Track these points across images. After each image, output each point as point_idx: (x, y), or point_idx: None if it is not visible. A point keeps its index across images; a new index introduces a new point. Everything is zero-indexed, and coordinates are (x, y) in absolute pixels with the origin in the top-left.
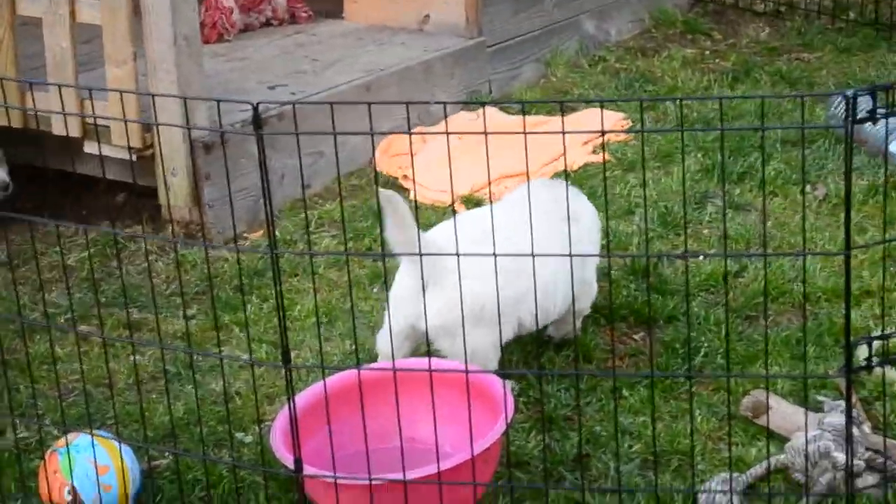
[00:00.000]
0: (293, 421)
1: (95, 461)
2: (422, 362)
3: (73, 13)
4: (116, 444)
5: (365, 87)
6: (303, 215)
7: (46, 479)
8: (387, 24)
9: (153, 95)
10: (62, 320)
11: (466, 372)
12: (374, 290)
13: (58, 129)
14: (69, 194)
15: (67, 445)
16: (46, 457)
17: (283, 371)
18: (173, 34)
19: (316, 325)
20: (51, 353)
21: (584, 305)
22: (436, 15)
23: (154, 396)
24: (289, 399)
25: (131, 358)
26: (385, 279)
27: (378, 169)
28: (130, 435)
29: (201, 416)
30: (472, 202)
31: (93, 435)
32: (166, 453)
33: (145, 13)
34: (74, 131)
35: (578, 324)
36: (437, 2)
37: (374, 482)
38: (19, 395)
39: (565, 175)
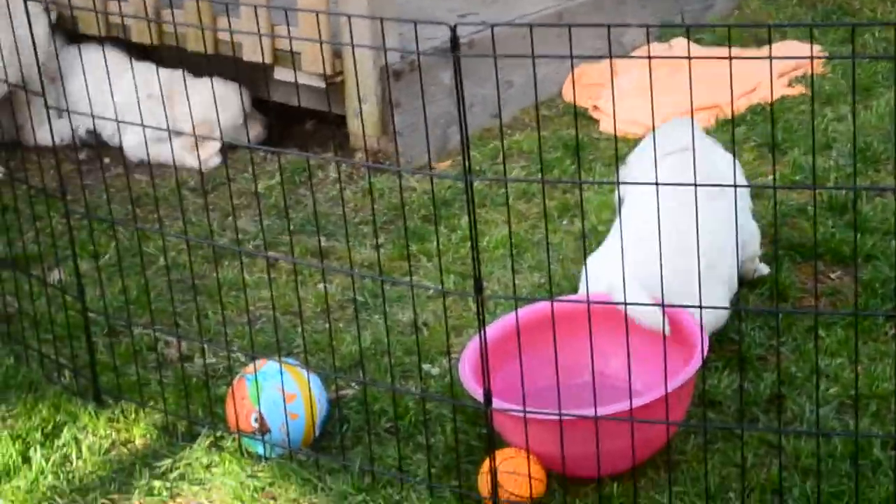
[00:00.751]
0: (483, 353)
1: (283, 389)
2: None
3: None
4: (304, 372)
5: (556, 16)
6: (491, 146)
7: (234, 405)
8: None
9: (349, 16)
10: (251, 246)
11: (663, 306)
12: (564, 222)
13: (248, 55)
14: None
15: (256, 372)
16: (234, 383)
17: (471, 302)
18: None
19: (505, 257)
20: (240, 280)
21: (754, 248)
22: None
23: (342, 325)
24: (479, 329)
25: (320, 286)
26: (582, 208)
27: (567, 99)
28: (318, 363)
29: (389, 346)
30: None
31: (281, 363)
32: (353, 383)
33: None
34: (266, 57)
35: (760, 265)
36: None
37: (564, 418)
38: (208, 321)
39: (770, 109)
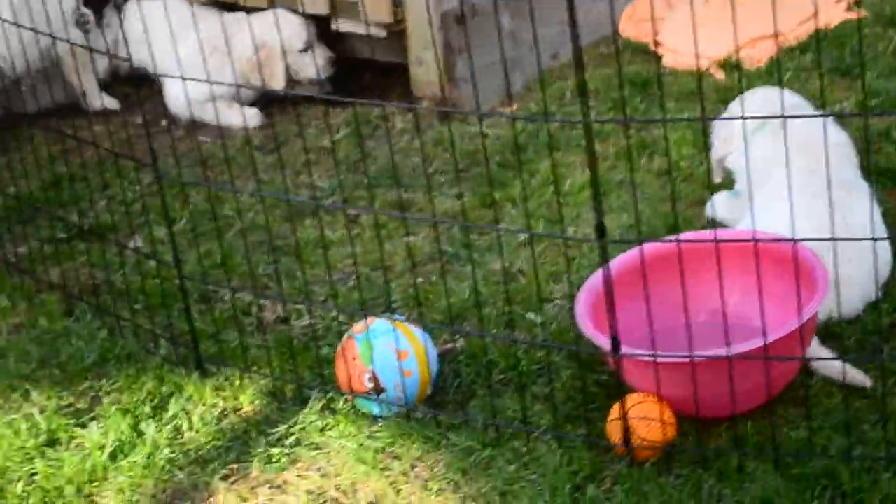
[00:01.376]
0: (609, 299)
1: (396, 346)
2: (740, 233)
3: None
4: (413, 328)
5: None
6: (556, 86)
7: (345, 365)
8: None
9: None
10: (330, 202)
11: (794, 240)
12: (642, 161)
13: (308, 6)
14: None
15: (365, 331)
16: (343, 343)
17: (562, 246)
18: None
19: (591, 198)
20: (322, 237)
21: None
22: None
23: (433, 278)
24: (604, 276)
25: (405, 239)
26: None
27: (625, 36)
28: (417, 318)
29: (488, 296)
30: (730, 66)
31: (393, 320)
32: (457, 336)
33: None
34: (323, 8)
35: None
36: None
37: (696, 359)
38: (297, 281)
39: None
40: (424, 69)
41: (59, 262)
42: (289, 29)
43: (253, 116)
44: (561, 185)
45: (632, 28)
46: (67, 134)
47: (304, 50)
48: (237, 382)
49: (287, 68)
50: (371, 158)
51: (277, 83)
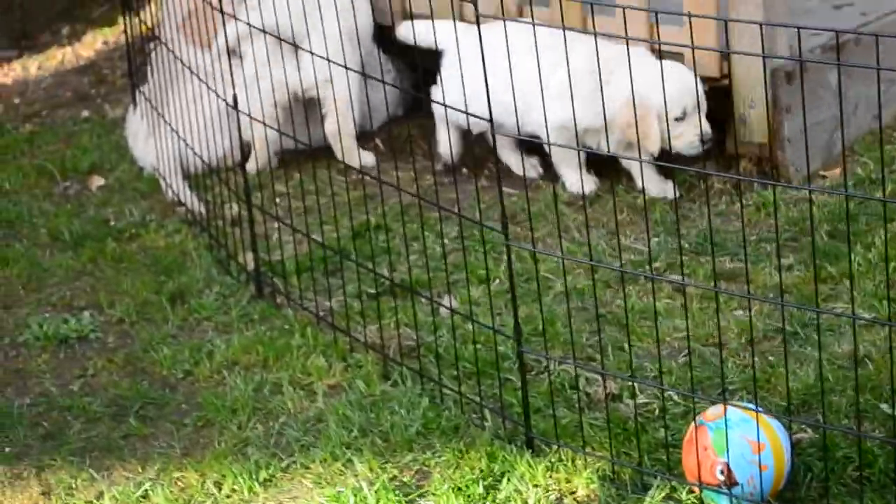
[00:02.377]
0: None
1: (752, 438)
2: None
3: None
4: (769, 419)
5: None
6: (886, 149)
7: (695, 454)
8: None
9: (726, 20)
10: (645, 269)
11: None
12: None
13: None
14: None
15: (718, 419)
16: (692, 429)
17: None
18: None
19: None
20: (651, 307)
21: None
22: None
23: (771, 359)
24: None
25: (737, 312)
26: None
27: None
28: (760, 404)
29: (834, 382)
30: None
31: (756, 413)
32: (806, 427)
33: None
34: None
35: None
36: None
37: None
38: (623, 354)
39: None
40: (747, 127)
41: (371, 320)
42: (674, 88)
43: (589, 181)
44: None
45: None
46: (379, 179)
47: (680, 118)
48: (571, 463)
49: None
50: (688, 221)
51: (652, 145)
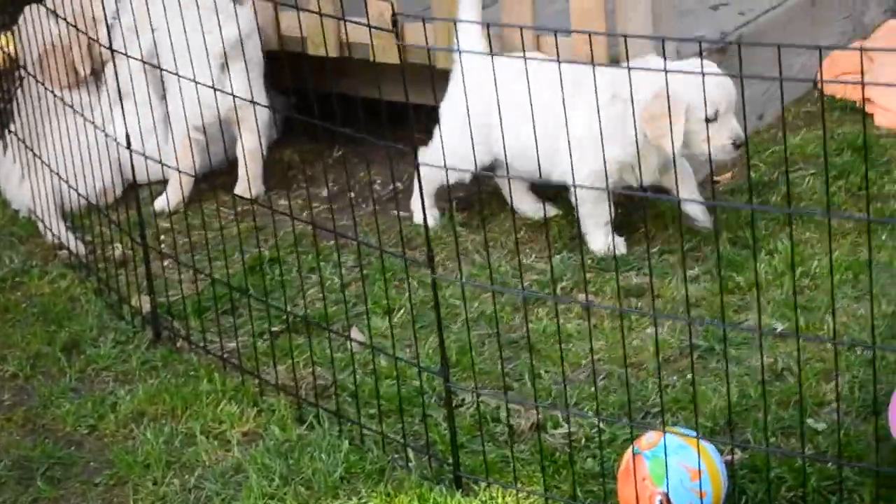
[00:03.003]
0: None
1: (689, 465)
2: None
3: None
4: (704, 442)
5: (809, 2)
6: (770, 151)
7: (633, 486)
8: None
9: (625, 36)
10: (560, 290)
11: None
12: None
13: None
14: None
15: (652, 447)
16: (626, 459)
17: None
18: None
19: (843, 285)
20: (555, 329)
21: None
22: None
23: (687, 377)
24: None
25: (648, 331)
26: None
27: (828, 93)
28: (687, 426)
29: (755, 398)
30: None
31: (697, 439)
32: (735, 448)
33: None
34: None
35: None
36: None
37: None
38: (541, 381)
39: None
40: None
41: (278, 359)
42: (706, 87)
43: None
44: (806, 268)
45: (833, 84)
46: (272, 208)
47: (711, 119)
48: (502, 500)
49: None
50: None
51: (675, 142)
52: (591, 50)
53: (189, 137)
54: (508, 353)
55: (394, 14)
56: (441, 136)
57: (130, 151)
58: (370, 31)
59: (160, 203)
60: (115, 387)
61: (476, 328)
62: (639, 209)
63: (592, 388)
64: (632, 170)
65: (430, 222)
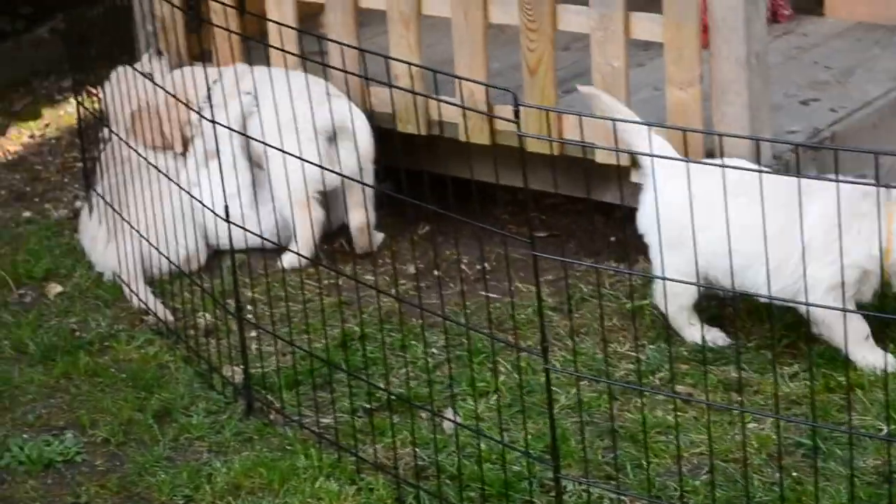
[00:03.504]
0: None
1: None
2: None
3: (626, 29)
4: None
5: None
6: None
7: None
8: (876, 21)
9: (720, 135)
10: (649, 380)
11: None
12: None
13: (602, 157)
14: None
15: None
16: None
17: None
18: (746, 52)
19: None
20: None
21: None
22: None
23: (794, 475)
24: None
25: (751, 426)
26: None
27: None
28: None
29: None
30: None
31: None
32: None
33: (713, 29)
34: (621, 160)
35: None
36: None
37: None
38: (642, 472)
39: None
40: None
41: (376, 438)
42: None
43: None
44: None
45: None
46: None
47: None
48: None
49: None
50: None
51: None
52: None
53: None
54: (607, 441)
55: (516, 103)
56: (660, 257)
57: (229, 223)
58: (464, 112)
59: (288, 260)
60: (210, 457)
61: (572, 416)
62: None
63: (697, 482)
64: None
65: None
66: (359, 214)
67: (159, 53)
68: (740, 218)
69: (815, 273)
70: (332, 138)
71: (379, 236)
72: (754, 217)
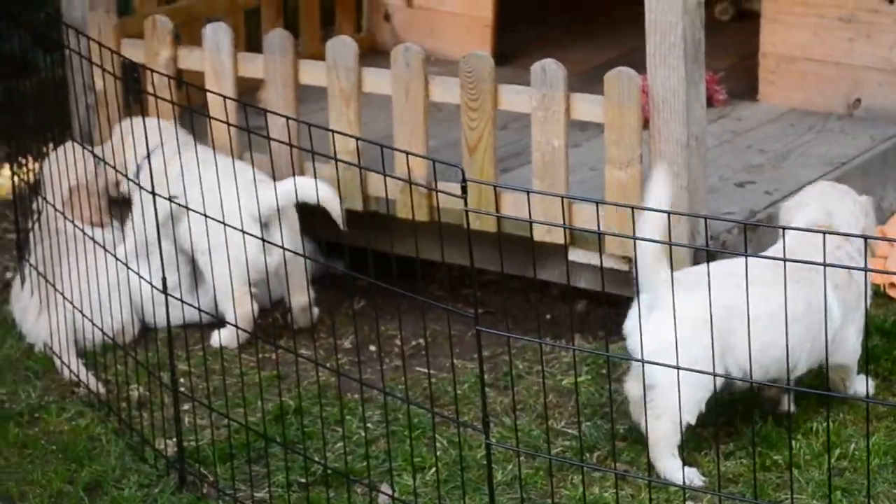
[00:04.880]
0: None
1: None
2: None
3: (567, 109)
4: None
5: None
6: None
7: None
8: (809, 108)
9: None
10: (588, 457)
11: None
12: None
13: (539, 234)
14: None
15: None
16: None
17: None
18: (687, 134)
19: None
20: (600, 497)
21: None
22: (868, 99)
23: None
24: None
25: None
26: None
27: None
28: None
29: None
30: None
31: None
32: None
33: (654, 111)
34: (558, 238)
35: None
36: (869, 84)
37: None
38: None
39: None
40: None
41: None
42: None
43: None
44: (844, 450)
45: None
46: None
47: None
48: None
49: None
50: (616, 403)
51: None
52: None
53: (248, 286)
54: None
55: (463, 179)
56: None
57: (166, 295)
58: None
59: (215, 339)
60: None
61: (508, 492)
62: None
63: None
64: None
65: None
66: (301, 296)
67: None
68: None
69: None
70: (266, 225)
71: (316, 311)
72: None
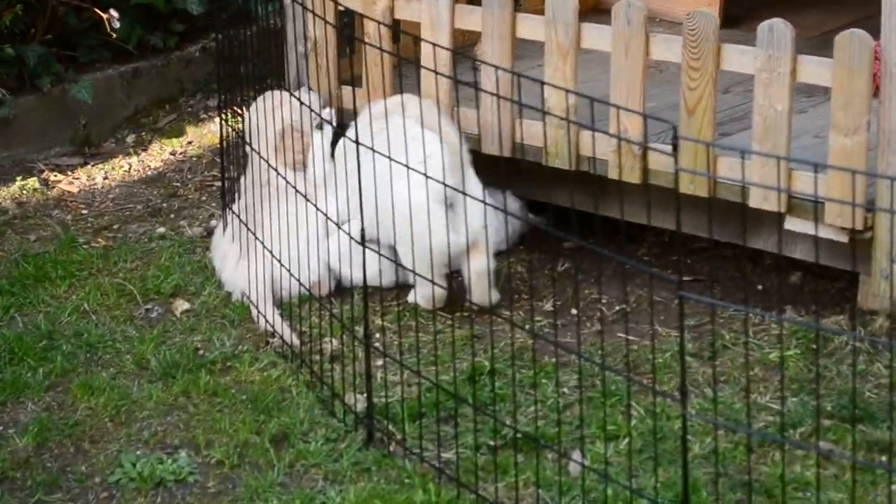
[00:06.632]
0: None
1: None
2: None
3: (793, 71)
4: None
5: None
6: None
7: None
8: None
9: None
10: (796, 435)
11: None
12: None
13: (755, 201)
14: (733, 268)
15: None
16: None
17: None
18: None
19: None
20: (800, 475)
21: None
22: None
23: None
24: None
25: (894, 488)
26: None
27: None
28: None
29: None
30: None
31: None
32: None
33: (885, 76)
34: (774, 205)
35: None
36: None
37: None
38: None
39: None
40: (889, 283)
41: (497, 475)
42: None
43: None
44: None
45: None
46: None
47: None
48: None
49: None
50: (825, 380)
51: None
52: None
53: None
54: (741, 494)
55: (675, 137)
56: None
57: (364, 247)
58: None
59: (411, 296)
60: (325, 486)
61: (705, 466)
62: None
63: None
64: None
65: None
66: (479, 256)
67: (310, 90)
68: None
69: None
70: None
71: (496, 295)
72: None
